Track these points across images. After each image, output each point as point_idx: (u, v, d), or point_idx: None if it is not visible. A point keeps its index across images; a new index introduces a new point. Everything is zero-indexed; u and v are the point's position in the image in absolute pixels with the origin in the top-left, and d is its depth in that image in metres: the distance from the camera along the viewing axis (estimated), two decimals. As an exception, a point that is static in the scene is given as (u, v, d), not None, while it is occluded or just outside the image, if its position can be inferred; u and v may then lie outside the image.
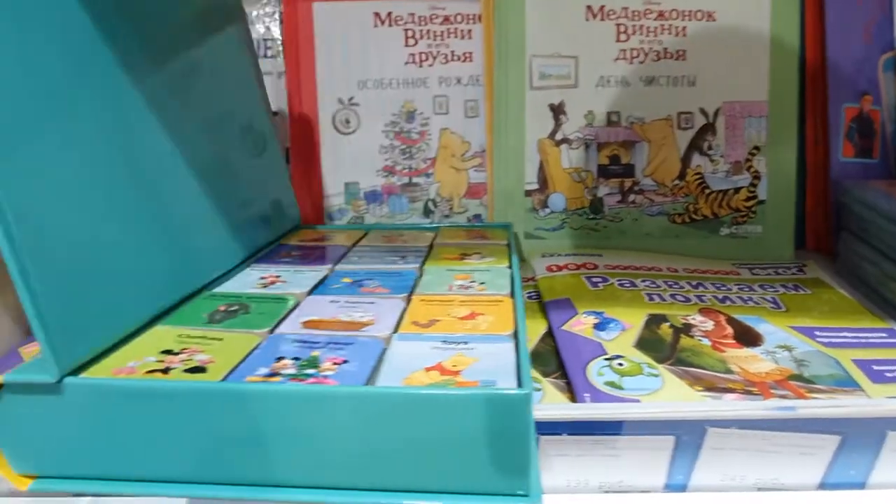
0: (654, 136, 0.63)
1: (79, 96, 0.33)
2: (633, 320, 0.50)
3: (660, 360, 0.45)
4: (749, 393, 0.42)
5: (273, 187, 0.58)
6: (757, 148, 0.62)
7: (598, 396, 0.42)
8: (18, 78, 0.29)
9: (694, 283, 0.56)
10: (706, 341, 0.48)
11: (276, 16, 0.65)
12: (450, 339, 0.35)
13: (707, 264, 0.60)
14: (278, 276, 0.47)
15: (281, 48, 0.65)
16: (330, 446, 0.28)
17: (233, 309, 0.39)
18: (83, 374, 0.30)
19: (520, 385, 0.29)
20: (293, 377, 0.30)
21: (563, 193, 0.63)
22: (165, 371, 0.31)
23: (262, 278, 0.46)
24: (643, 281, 0.56)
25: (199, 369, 0.31)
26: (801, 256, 0.63)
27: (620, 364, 0.45)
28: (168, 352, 0.33)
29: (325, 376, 0.30)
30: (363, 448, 0.28)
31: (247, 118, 0.53)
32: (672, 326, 0.50)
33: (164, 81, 0.41)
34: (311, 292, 0.43)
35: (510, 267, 0.48)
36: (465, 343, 0.34)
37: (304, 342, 0.34)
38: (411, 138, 0.65)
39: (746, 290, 0.56)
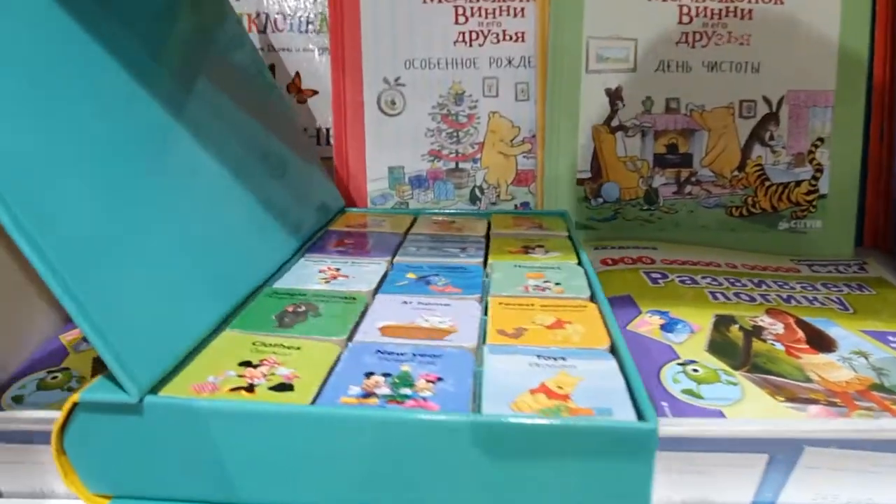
0: (715, 125, 0.60)
1: (125, 110, 0.33)
2: (700, 321, 0.49)
3: (735, 367, 0.44)
4: (833, 404, 0.40)
5: (311, 173, 0.56)
6: (821, 139, 0.60)
7: (677, 406, 0.40)
8: (70, 103, 0.28)
9: (756, 280, 0.55)
10: (779, 346, 0.46)
11: (319, -12, 0.61)
12: (545, 353, 0.33)
13: (766, 260, 0.58)
14: (338, 270, 0.45)
15: (323, 23, 0.62)
16: (437, 476, 0.26)
17: (301, 310, 0.37)
18: (163, 392, 0.28)
19: (640, 415, 0.27)
20: (390, 399, 0.28)
21: (616, 183, 0.61)
22: (250, 389, 0.29)
23: (322, 272, 0.44)
24: (703, 277, 0.54)
25: (285, 386, 0.29)
26: (859, 254, 0.61)
27: (695, 370, 0.43)
28: (247, 363, 0.31)
29: (424, 398, 0.28)
30: (471, 480, 0.26)
31: (271, 108, 0.53)
32: (742, 329, 0.48)
33: (195, 87, 0.41)
34: (378, 289, 0.42)
35: (580, 263, 0.46)
36: (564, 359, 0.32)
37: (389, 353, 0.32)
38: (459, 121, 0.62)
39: (810, 288, 0.54)
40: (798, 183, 0.60)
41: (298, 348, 0.32)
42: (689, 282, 0.54)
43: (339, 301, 0.38)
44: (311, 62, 0.62)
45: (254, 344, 0.33)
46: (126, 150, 0.32)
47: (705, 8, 0.59)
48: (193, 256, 0.35)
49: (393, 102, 0.61)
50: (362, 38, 0.60)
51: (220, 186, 0.40)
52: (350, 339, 0.35)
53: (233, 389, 0.29)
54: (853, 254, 0.60)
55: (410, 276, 0.44)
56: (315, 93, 0.64)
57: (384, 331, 0.35)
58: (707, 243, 0.60)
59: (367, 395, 0.28)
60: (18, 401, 0.43)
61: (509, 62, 0.61)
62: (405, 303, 0.38)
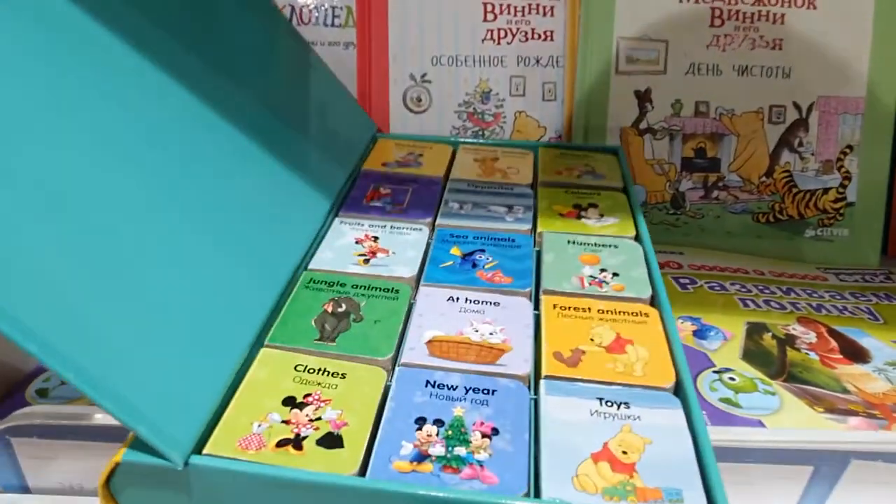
0: (744, 130, 0.59)
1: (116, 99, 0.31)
2: (732, 328, 0.48)
3: (772, 376, 0.43)
4: (872, 416, 0.40)
5: (336, 107, 0.52)
6: (850, 147, 0.59)
7: (716, 414, 0.40)
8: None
9: (784, 288, 0.54)
10: (814, 355, 0.46)
11: (347, -19, 0.60)
12: (607, 395, 0.30)
13: (793, 267, 0.58)
14: (376, 240, 0.42)
15: (349, 17, 0.61)
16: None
17: (341, 310, 0.35)
18: (208, 450, 0.27)
19: (710, 499, 0.26)
20: (445, 464, 0.27)
21: (643, 186, 0.60)
22: (298, 444, 0.27)
23: (359, 242, 0.41)
24: (732, 284, 0.54)
25: (334, 439, 0.28)
26: (884, 263, 0.60)
27: (732, 378, 0.43)
28: (291, 401, 0.30)
29: (481, 463, 0.27)
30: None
31: (280, 47, 0.49)
32: (775, 337, 0.47)
33: (189, 50, 0.38)
34: (420, 275, 0.39)
35: (637, 236, 0.43)
36: (627, 405, 0.30)
37: (440, 387, 0.30)
38: (485, 120, 0.61)
39: (838, 297, 0.53)
40: (826, 190, 0.60)
41: (343, 376, 0.31)
42: (718, 288, 0.53)
43: (381, 295, 0.36)
44: (337, 56, 0.61)
45: (296, 369, 0.31)
46: (115, 155, 0.30)
47: (737, 11, 0.58)
48: (217, 267, 0.32)
49: (419, 99, 0.61)
50: (389, 33, 0.59)
51: (237, 163, 0.37)
52: (396, 354, 0.33)
53: (279, 444, 0.27)
54: (879, 263, 0.60)
55: (455, 251, 0.41)
56: (339, 87, 0.63)
57: (432, 347, 0.33)
58: (733, 249, 0.60)
59: (421, 456, 0.27)
60: (43, 394, 0.42)
61: (537, 61, 0.61)
62: (451, 299, 0.36)
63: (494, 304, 0.36)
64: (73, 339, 0.24)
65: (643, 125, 0.59)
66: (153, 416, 0.25)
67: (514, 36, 0.60)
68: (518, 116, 0.61)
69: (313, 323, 0.35)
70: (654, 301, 0.37)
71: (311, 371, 0.31)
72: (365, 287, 0.37)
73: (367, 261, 0.40)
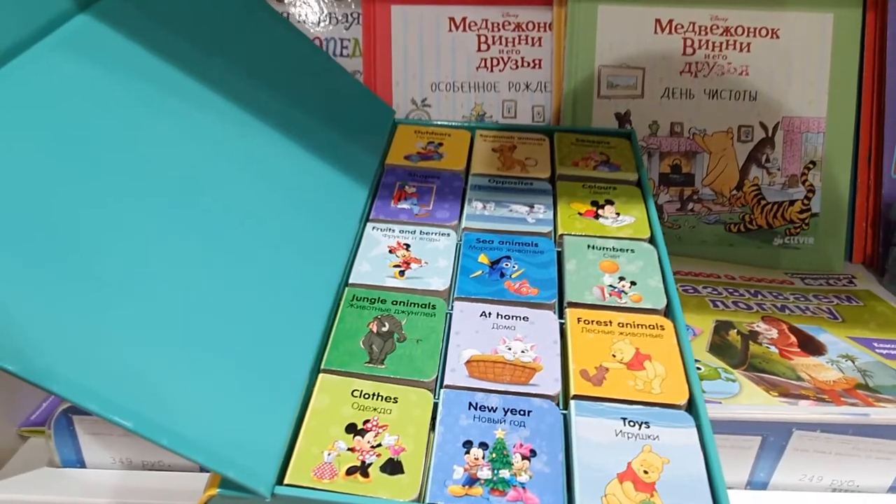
0: (715, 148, 0.65)
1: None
2: (702, 325, 0.53)
3: (734, 366, 0.48)
4: (822, 400, 0.45)
5: (352, 102, 0.53)
6: (813, 163, 0.65)
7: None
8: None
9: (752, 290, 0.59)
10: (774, 349, 0.51)
11: (354, 16, 0.67)
12: (630, 415, 0.34)
13: (762, 273, 0.63)
14: (408, 248, 0.44)
15: (356, 48, 0.67)
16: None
17: (385, 329, 0.39)
18: (288, 480, 0.31)
19: None
20: (493, 488, 0.31)
21: (624, 199, 0.65)
22: (364, 471, 0.32)
23: (392, 251, 0.44)
24: (705, 287, 0.59)
25: (395, 465, 0.32)
26: (848, 269, 0.65)
27: (698, 368, 0.48)
28: (353, 428, 0.34)
29: (524, 485, 0.31)
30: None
31: (290, 51, 0.50)
32: (740, 333, 0.52)
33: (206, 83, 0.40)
34: (453, 288, 0.42)
35: (652, 238, 0.46)
36: (647, 425, 0.34)
37: (481, 409, 0.35)
38: (479, 140, 0.67)
39: (802, 299, 0.59)
40: (792, 202, 0.65)
41: (395, 401, 0.35)
42: (691, 291, 0.58)
43: (419, 311, 0.40)
44: (344, 83, 0.67)
45: (353, 395, 0.35)
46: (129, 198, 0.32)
47: (707, 41, 0.64)
48: (267, 293, 0.34)
49: (419, 122, 0.66)
50: (392, 63, 0.66)
51: (267, 176, 0.40)
52: (440, 374, 0.36)
53: (349, 472, 0.32)
54: (843, 269, 0.65)
55: (483, 259, 0.43)
56: (346, 111, 0.69)
57: (471, 368, 0.37)
58: (708, 257, 0.65)
59: (471, 480, 0.32)
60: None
61: (527, 86, 0.67)
62: (484, 315, 0.39)
63: (523, 318, 0.39)
64: (157, 407, 0.27)
65: (624, 144, 0.65)
66: (238, 459, 0.28)
67: (505, 64, 0.66)
68: (510, 137, 0.67)
69: (362, 344, 0.38)
70: (668, 310, 0.41)
71: (367, 396, 0.35)
72: (404, 303, 0.40)
73: (402, 272, 0.42)
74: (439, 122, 0.57)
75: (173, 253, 0.32)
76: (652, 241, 0.46)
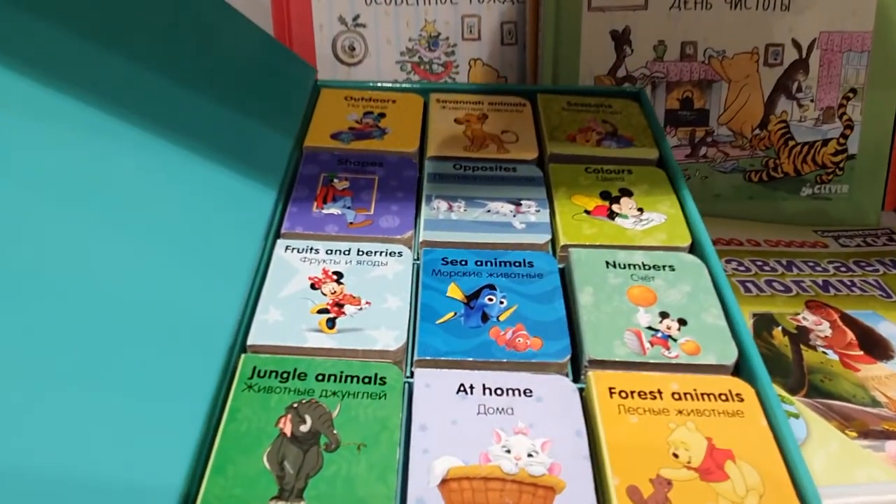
0: (736, 75, 0.51)
1: None
2: (738, 325, 0.41)
3: (791, 390, 0.37)
4: (912, 438, 0.34)
5: (261, 59, 0.39)
6: (853, 91, 0.52)
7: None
8: None
9: (784, 261, 0.48)
10: (832, 355, 0.40)
11: None
12: None
13: (789, 233, 0.51)
14: (339, 279, 0.30)
15: (257, -57, 0.49)
16: None
17: (304, 430, 0.24)
18: None
19: None
20: None
21: (621, 145, 0.51)
22: None
23: (314, 286, 0.30)
24: (728, 262, 0.47)
25: None
26: (884, 221, 0.54)
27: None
28: None
29: None
30: None
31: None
32: (786, 333, 0.41)
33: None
34: (412, 343, 0.28)
35: (695, 244, 0.33)
36: None
37: None
38: (433, 71, 0.51)
39: (844, 269, 0.48)
40: (826, 142, 0.52)
41: None
42: (713, 269, 0.46)
43: (360, 392, 0.26)
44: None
45: None
46: None
47: (731, -70, 0.49)
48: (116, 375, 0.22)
49: (352, 48, 0.50)
50: (310, -35, 0.48)
51: (128, 202, 0.27)
52: None
53: None
54: (879, 220, 0.54)
55: (454, 292, 0.30)
56: (251, 35, 0.51)
57: (450, 493, 0.23)
58: (723, 214, 0.52)
59: None
60: None
61: (494, -3, 0.50)
62: (463, 391, 0.26)
63: (525, 392, 0.26)
64: None
65: (621, 72, 0.50)
66: None
67: (464, -35, 0.49)
68: (473, 65, 0.51)
69: (265, 461, 0.24)
70: (739, 364, 0.28)
71: None
72: (335, 378, 0.26)
73: (331, 323, 0.29)
74: (380, 84, 0.43)
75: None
76: (694, 249, 0.33)
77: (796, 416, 0.35)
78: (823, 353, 0.40)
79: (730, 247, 0.49)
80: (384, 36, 0.50)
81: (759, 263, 0.47)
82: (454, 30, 0.50)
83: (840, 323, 0.42)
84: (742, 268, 0.47)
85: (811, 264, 0.48)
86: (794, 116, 0.52)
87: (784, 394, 0.36)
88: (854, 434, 0.34)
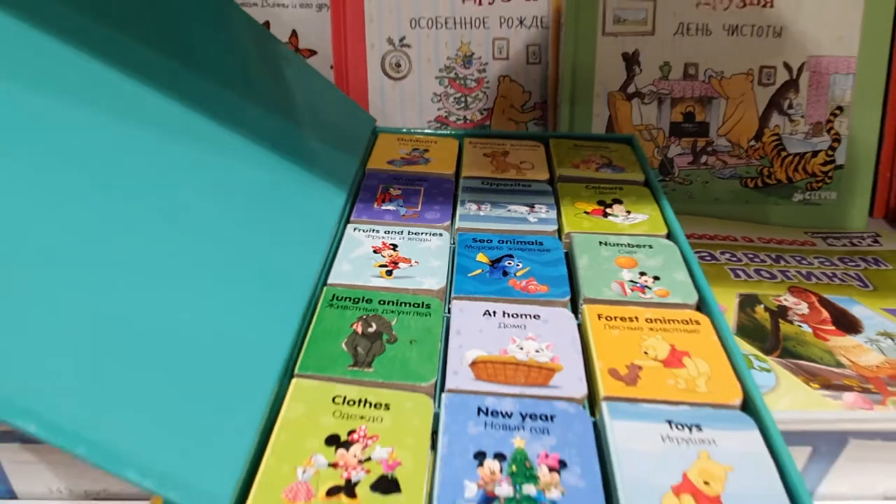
0: (733, 92, 0.58)
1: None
2: (725, 301, 0.47)
3: (766, 352, 0.43)
4: (867, 391, 0.40)
5: (330, 107, 0.50)
6: (840, 108, 0.58)
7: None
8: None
9: (774, 255, 0.54)
10: (806, 327, 0.45)
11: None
12: (676, 418, 0.29)
13: (781, 233, 0.57)
14: (395, 248, 0.39)
15: (321, -24, 0.57)
16: None
17: (371, 330, 0.33)
18: (251, 503, 0.25)
19: None
20: None
21: (631, 152, 0.58)
22: (350, 491, 0.25)
23: (376, 251, 0.39)
24: (722, 253, 0.53)
25: (389, 483, 0.26)
26: (870, 225, 0.60)
27: (727, 356, 0.42)
28: (335, 440, 0.27)
29: None
30: None
31: (266, 56, 0.47)
32: (768, 309, 0.47)
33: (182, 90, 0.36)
34: (449, 286, 0.37)
35: (670, 234, 0.41)
36: (699, 428, 0.28)
37: (494, 415, 0.29)
38: (467, 86, 0.58)
39: (827, 264, 0.53)
40: (815, 153, 0.59)
41: (387, 407, 0.29)
42: (708, 258, 0.52)
43: (411, 311, 0.34)
44: (310, 19, 0.57)
45: (335, 401, 0.29)
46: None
47: (728, -33, 0.56)
48: (230, 292, 0.30)
49: (398, 65, 0.58)
50: (365, -5, 0.56)
51: (237, 176, 0.36)
52: (440, 378, 0.31)
53: (331, 493, 0.25)
54: (866, 225, 0.59)
55: (482, 258, 0.39)
56: (313, 53, 0.59)
57: (477, 370, 0.31)
58: (721, 216, 0.59)
59: (488, 498, 0.25)
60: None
61: (521, 22, 0.58)
62: (488, 314, 0.34)
63: (534, 316, 0.34)
64: (75, 411, 0.22)
65: (631, 89, 0.57)
66: (184, 477, 0.23)
67: (496, -5, 0.57)
68: (502, 81, 0.59)
69: (344, 346, 0.32)
70: (700, 307, 0.36)
71: (352, 403, 0.29)
72: (393, 303, 0.35)
73: (389, 272, 0.37)
74: (426, 131, 0.53)
75: (131, 252, 0.28)
76: (670, 238, 0.41)
77: (768, 371, 0.41)
78: (799, 326, 0.46)
79: (725, 242, 0.55)
80: (426, 55, 0.58)
81: (750, 255, 0.53)
82: (486, 50, 0.58)
83: (818, 304, 0.48)
84: (734, 258, 0.53)
85: (798, 258, 0.54)
86: (786, 130, 0.58)
87: (758, 353, 0.42)
88: (817, 386, 0.40)
